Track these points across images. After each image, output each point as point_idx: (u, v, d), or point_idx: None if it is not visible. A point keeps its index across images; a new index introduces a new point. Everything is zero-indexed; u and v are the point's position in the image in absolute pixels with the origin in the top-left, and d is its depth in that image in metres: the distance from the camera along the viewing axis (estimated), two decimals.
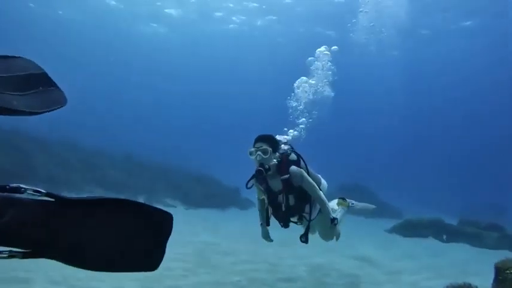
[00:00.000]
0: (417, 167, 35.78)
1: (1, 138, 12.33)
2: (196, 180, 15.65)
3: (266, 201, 3.53)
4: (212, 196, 14.70)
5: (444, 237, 11.96)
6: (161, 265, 2.90)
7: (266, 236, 3.70)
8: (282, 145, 3.56)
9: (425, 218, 12.93)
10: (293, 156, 3.51)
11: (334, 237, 3.54)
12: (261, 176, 3.26)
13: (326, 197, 3.65)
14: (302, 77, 5.01)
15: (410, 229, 12.46)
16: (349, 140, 39.96)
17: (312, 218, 3.47)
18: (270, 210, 3.56)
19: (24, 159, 12.91)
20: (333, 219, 3.38)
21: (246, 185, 3.42)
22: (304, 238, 3.45)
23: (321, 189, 3.62)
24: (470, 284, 3.26)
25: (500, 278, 2.67)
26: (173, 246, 3.62)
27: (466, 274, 5.39)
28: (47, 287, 3.77)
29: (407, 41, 24.52)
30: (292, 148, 3.62)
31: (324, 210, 3.42)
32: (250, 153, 3.33)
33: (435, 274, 6.04)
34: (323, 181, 3.83)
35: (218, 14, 24.88)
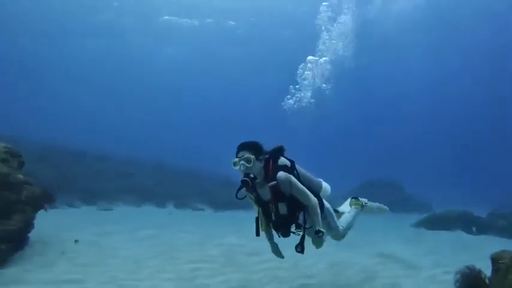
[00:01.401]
0: (445, 160, 34.87)
1: (40, 153, 13.28)
2: (222, 184, 16.14)
3: (260, 211, 3.40)
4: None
5: (474, 229, 11.74)
6: (192, 266, 3.55)
7: (276, 251, 3.59)
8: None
9: (453, 211, 12.72)
10: (283, 161, 3.34)
11: (315, 246, 3.29)
12: (247, 186, 3.13)
13: (332, 199, 3.76)
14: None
15: (437, 223, 12.31)
16: (375, 134, 39.34)
17: (308, 226, 3.31)
18: (263, 219, 3.41)
19: (62, 171, 13.83)
20: (318, 231, 3.15)
21: (236, 195, 3.27)
22: (299, 248, 3.24)
23: (320, 194, 3.55)
24: (480, 270, 3.32)
25: (495, 268, 2.90)
26: (203, 249, 4.22)
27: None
28: (96, 285, 4.27)
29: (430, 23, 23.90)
30: (283, 151, 3.41)
31: (313, 218, 3.23)
32: (234, 164, 3.19)
33: (457, 268, 6.15)
34: (324, 185, 3.68)
35: None
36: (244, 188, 3.20)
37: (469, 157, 35.46)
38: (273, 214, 3.32)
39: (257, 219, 3.42)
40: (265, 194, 3.26)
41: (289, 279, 4.68)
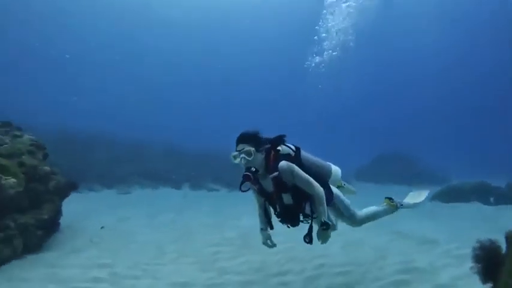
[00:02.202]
0: (460, 130, 34.27)
1: (58, 139, 13.63)
2: (235, 163, 16.45)
3: (263, 203, 3.36)
4: None
5: (492, 200, 11.58)
6: (212, 249, 3.80)
7: (266, 242, 3.47)
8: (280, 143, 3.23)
9: (469, 183, 12.62)
10: (285, 150, 3.22)
11: (320, 240, 3.13)
12: (249, 180, 3.03)
13: (344, 177, 3.64)
14: None
15: (453, 195, 12.22)
16: (386, 107, 38.72)
17: (315, 216, 3.19)
18: (272, 212, 3.36)
19: (78, 157, 14.23)
20: (324, 223, 3.01)
21: (240, 188, 3.14)
22: (308, 238, 3.14)
23: (331, 179, 3.44)
24: (499, 245, 3.35)
25: (509, 245, 2.99)
26: (220, 232, 4.44)
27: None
28: (123, 269, 4.57)
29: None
30: (284, 140, 3.27)
31: (318, 209, 3.07)
32: (234, 158, 3.12)
33: (472, 242, 6.22)
34: (334, 168, 3.53)
35: None
36: (246, 182, 3.08)
37: (485, 126, 34.77)
38: (277, 206, 3.24)
39: (265, 211, 3.41)
40: (268, 185, 3.17)
41: (306, 260, 4.89)
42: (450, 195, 12.27)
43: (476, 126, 35.23)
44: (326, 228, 3.01)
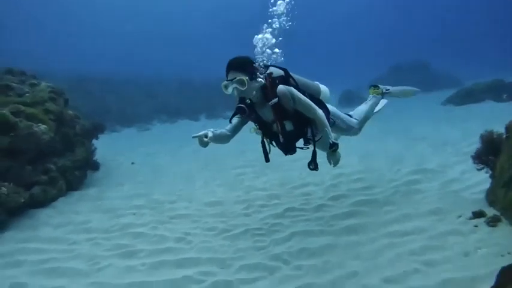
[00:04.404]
0: (472, 30, 32.44)
1: (75, 85, 13.85)
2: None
3: (260, 133, 3.09)
4: None
5: (504, 96, 11.52)
6: (237, 171, 4.23)
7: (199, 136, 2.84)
8: (260, 63, 2.93)
9: (482, 83, 12.48)
10: (276, 72, 2.95)
11: (332, 163, 3.02)
12: (243, 113, 2.84)
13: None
14: None
15: (466, 97, 12.24)
16: (399, 16, 36.65)
17: (317, 139, 3.07)
18: (268, 142, 3.13)
19: (96, 99, 14.55)
20: (333, 144, 2.89)
21: (230, 121, 2.97)
22: (313, 165, 3.03)
23: (321, 99, 3.24)
24: (497, 134, 3.52)
25: (508, 135, 3.20)
26: (242, 156, 4.79)
27: None
28: (160, 196, 5.08)
29: None
30: (265, 61, 3.02)
31: (323, 131, 2.94)
32: (225, 87, 2.81)
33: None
34: (323, 88, 3.32)
35: None
36: (240, 114, 2.85)
37: (499, 21, 32.70)
38: (280, 135, 3.00)
39: (263, 143, 3.13)
40: (267, 114, 2.92)
41: (324, 172, 5.26)
42: (463, 97, 12.27)
43: (493, 24, 33.18)
44: (335, 149, 2.92)
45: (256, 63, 2.90)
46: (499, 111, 9.23)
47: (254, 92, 2.81)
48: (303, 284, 2.65)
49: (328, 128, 2.94)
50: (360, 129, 3.75)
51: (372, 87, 4.06)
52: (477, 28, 33.37)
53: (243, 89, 2.73)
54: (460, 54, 27.21)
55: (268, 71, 2.91)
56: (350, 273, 2.69)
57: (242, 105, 2.80)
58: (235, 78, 2.74)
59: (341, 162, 3.14)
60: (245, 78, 2.72)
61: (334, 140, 2.92)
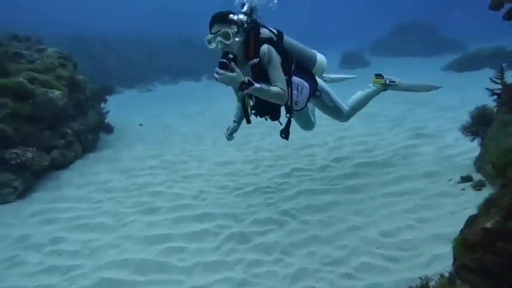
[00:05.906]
0: None
1: (76, 47, 13.73)
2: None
3: (243, 95, 2.99)
4: None
5: (504, 65, 11.57)
6: (244, 132, 4.59)
7: (228, 134, 3.42)
8: (242, 16, 2.78)
9: (485, 49, 12.39)
10: (266, 33, 2.86)
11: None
12: (225, 69, 2.58)
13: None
14: None
15: (467, 63, 12.20)
16: None
17: (297, 108, 3.06)
18: (248, 103, 3.09)
19: (96, 62, 14.46)
20: (245, 83, 2.62)
21: (216, 79, 2.68)
22: (284, 134, 3.13)
23: (315, 68, 3.17)
24: (489, 108, 3.87)
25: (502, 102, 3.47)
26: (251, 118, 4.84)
27: None
28: (172, 157, 5.39)
29: None
30: (255, 19, 2.87)
31: (264, 91, 2.69)
32: (209, 42, 2.69)
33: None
34: (319, 57, 3.20)
35: None
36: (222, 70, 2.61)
37: None
38: (253, 97, 2.96)
39: (243, 104, 3.12)
40: (246, 74, 2.71)
41: (328, 134, 5.54)
42: (464, 63, 12.22)
43: None
44: (242, 88, 2.62)
45: (243, 18, 2.78)
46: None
47: (237, 48, 2.73)
48: (309, 235, 2.99)
49: (269, 98, 2.76)
50: (347, 116, 3.64)
51: (375, 76, 3.88)
52: None
53: (228, 42, 2.64)
54: (469, 12, 26.36)
55: (257, 30, 2.82)
56: (351, 227, 3.04)
57: (224, 60, 2.59)
58: (219, 31, 2.65)
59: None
60: (230, 31, 2.64)
61: (250, 81, 2.63)
